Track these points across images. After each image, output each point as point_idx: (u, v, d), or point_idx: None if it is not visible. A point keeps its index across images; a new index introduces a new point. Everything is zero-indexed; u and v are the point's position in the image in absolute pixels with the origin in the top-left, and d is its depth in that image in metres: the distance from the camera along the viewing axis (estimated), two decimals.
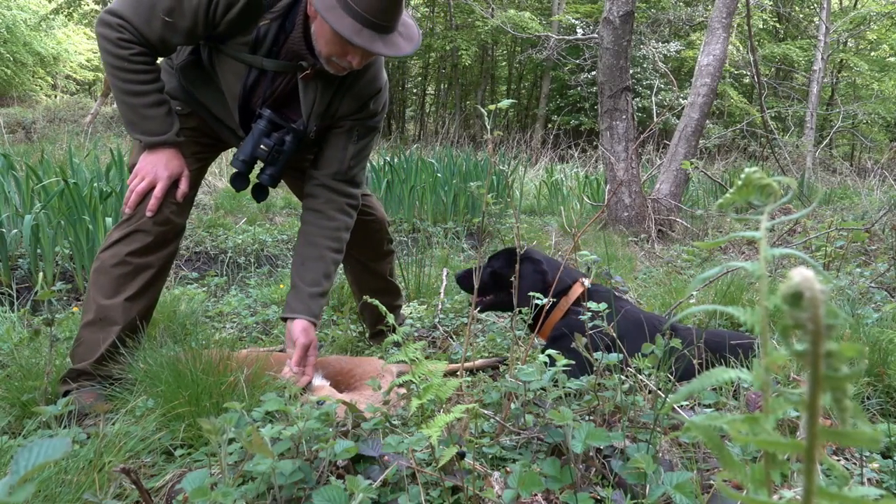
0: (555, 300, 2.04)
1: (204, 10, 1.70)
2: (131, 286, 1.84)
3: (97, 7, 16.73)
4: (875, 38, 17.21)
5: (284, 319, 1.90)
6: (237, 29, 1.75)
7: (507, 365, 2.14)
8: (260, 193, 2.04)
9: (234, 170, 1.93)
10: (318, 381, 1.84)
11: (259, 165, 1.97)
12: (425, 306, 3.01)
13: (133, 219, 1.83)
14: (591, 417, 1.46)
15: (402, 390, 1.65)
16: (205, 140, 2.03)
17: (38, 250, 3.36)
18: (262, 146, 1.86)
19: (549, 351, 1.48)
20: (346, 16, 1.59)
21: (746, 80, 17.32)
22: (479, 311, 2.28)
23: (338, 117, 1.96)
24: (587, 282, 2.12)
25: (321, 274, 1.92)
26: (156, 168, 1.81)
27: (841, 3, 18.32)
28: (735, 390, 1.61)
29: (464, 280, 2.34)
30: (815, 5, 15.43)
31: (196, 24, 1.72)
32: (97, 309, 1.82)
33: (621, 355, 1.50)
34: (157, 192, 1.82)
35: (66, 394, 1.78)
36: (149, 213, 1.82)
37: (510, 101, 1.62)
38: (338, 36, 1.62)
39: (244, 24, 1.74)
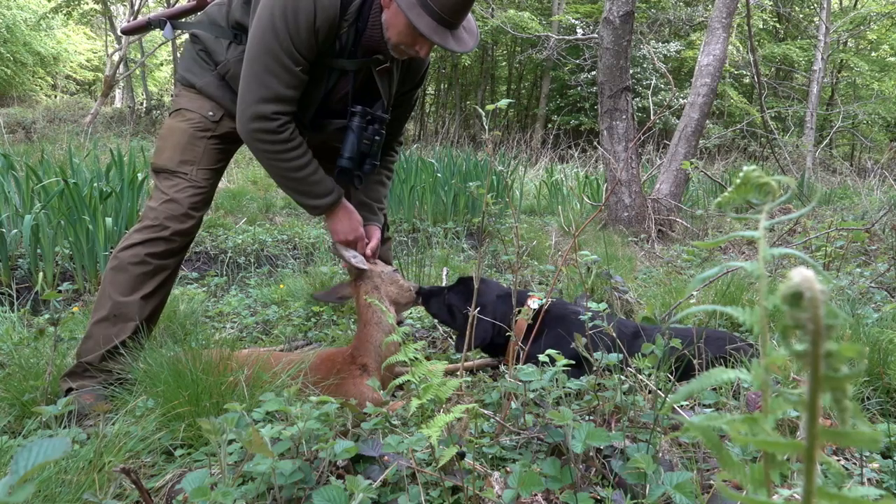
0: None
1: (315, 42, 1.80)
2: (148, 285, 1.89)
3: (96, 6, 16.69)
4: (875, 38, 17.21)
5: None
6: (329, 42, 1.85)
7: (506, 365, 2.14)
8: (346, 178, 2.08)
9: (340, 167, 1.99)
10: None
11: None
12: None
13: (156, 227, 1.88)
14: (591, 417, 1.46)
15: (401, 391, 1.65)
16: (227, 147, 2.04)
17: (38, 250, 3.36)
18: (364, 140, 1.97)
19: (549, 351, 1.49)
20: (425, 14, 1.73)
21: (746, 80, 17.31)
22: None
23: (400, 94, 2.13)
24: (535, 302, 2.03)
25: (382, 195, 2.22)
26: (352, 229, 2.02)
27: (841, 3, 18.31)
28: (735, 390, 1.61)
29: (431, 297, 2.28)
30: (815, 5, 15.42)
31: (312, 56, 1.83)
32: (112, 306, 1.85)
33: (620, 355, 1.50)
34: (361, 248, 2.05)
35: (67, 392, 1.78)
36: (365, 266, 2.03)
37: (508, 100, 1.65)
38: (413, 30, 1.76)
39: (334, 37, 1.85)
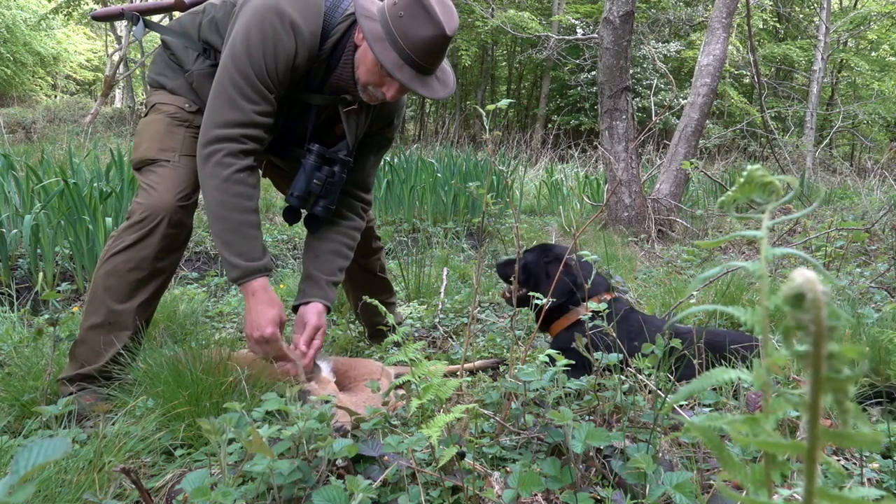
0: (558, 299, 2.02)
1: (289, 78, 1.75)
2: (145, 291, 1.81)
3: (96, 7, 16.69)
4: (875, 38, 17.20)
5: (296, 308, 1.91)
6: (298, 75, 1.79)
7: (507, 365, 2.14)
8: (293, 217, 1.99)
9: (287, 204, 1.92)
10: (326, 372, 1.82)
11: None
12: (425, 306, 3.01)
13: (145, 221, 1.77)
14: (591, 417, 1.46)
15: (401, 391, 1.65)
16: None
17: (38, 250, 3.35)
18: (315, 181, 1.87)
19: (550, 351, 1.48)
20: (392, 50, 1.65)
21: (746, 80, 17.31)
22: (516, 306, 2.21)
23: (367, 134, 2.02)
24: (607, 296, 2.08)
25: (337, 267, 1.97)
26: (261, 326, 1.72)
27: (841, 3, 18.31)
28: (735, 390, 1.61)
29: (503, 268, 2.35)
30: (815, 5, 15.42)
31: (284, 90, 1.77)
32: (108, 313, 1.78)
33: (620, 355, 1.50)
34: (270, 348, 1.74)
35: (66, 393, 1.78)
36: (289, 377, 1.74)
37: (508, 100, 1.64)
38: (378, 66, 1.69)
39: (305, 72, 1.80)
